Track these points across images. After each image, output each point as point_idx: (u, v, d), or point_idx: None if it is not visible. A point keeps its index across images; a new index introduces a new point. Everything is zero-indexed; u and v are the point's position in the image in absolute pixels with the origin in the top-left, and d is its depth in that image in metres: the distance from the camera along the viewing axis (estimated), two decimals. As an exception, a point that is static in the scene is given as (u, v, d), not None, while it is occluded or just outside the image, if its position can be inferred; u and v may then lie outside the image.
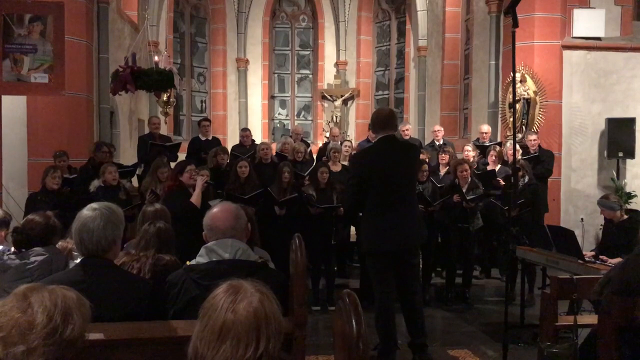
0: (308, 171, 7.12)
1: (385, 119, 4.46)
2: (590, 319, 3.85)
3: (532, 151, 7.49)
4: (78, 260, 3.07)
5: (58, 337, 1.40)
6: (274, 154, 8.12)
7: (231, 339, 1.39)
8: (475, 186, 6.56)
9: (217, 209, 2.56)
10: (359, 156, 5.01)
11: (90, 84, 8.36)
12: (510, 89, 8.77)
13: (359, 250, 6.95)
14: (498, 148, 7.40)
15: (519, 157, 7.01)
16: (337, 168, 7.14)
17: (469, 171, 6.56)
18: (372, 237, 4.44)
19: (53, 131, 7.65)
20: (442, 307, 6.49)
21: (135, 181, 7.87)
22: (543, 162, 7.51)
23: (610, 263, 4.88)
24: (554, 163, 8.19)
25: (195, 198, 5.43)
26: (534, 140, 7.55)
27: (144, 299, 2.35)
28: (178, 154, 7.93)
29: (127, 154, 10.19)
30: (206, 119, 9.32)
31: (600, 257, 5.10)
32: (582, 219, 8.63)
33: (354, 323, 1.43)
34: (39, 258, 3.03)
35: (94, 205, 2.40)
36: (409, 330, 4.57)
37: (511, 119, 8.70)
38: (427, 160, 7.64)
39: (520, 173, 6.24)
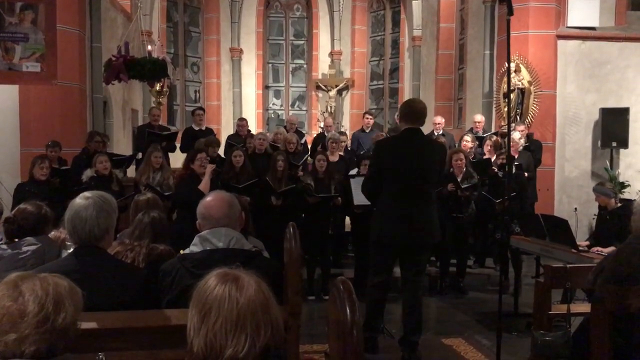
0: (301, 161, 7.11)
1: (418, 112, 4.45)
2: (584, 307, 3.87)
3: (522, 142, 7.53)
4: (71, 250, 3.06)
5: (50, 325, 1.39)
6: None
7: (250, 323, 1.38)
8: (470, 176, 6.58)
9: (211, 198, 2.55)
10: (380, 144, 4.96)
11: (82, 74, 8.29)
12: (505, 79, 8.78)
13: (354, 240, 6.97)
14: (494, 138, 7.42)
15: (520, 147, 7.06)
16: (334, 158, 7.13)
17: (464, 160, 6.57)
18: (380, 226, 4.42)
19: (45, 121, 7.59)
20: (436, 296, 6.51)
21: (132, 171, 7.86)
22: (532, 152, 7.55)
23: (603, 252, 4.90)
24: (548, 153, 8.24)
25: (204, 185, 5.53)
26: (522, 130, 7.59)
27: (137, 287, 2.34)
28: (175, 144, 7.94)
29: (121, 144, 10.14)
30: (200, 108, 9.28)
31: (592, 249, 5.12)
32: (575, 208, 8.67)
33: (348, 310, 1.43)
34: (32, 248, 3.01)
35: (86, 194, 2.38)
36: (403, 324, 4.56)
37: (506, 109, 8.72)
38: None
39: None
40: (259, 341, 1.37)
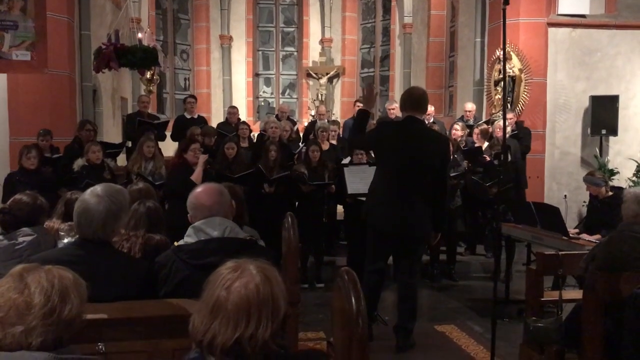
0: (298, 150, 7.11)
1: (416, 99, 4.35)
2: (574, 294, 3.93)
3: (509, 129, 7.56)
4: (65, 241, 3.05)
5: (56, 317, 1.40)
6: (258, 133, 8.12)
7: (220, 317, 1.40)
8: (456, 164, 6.61)
9: (200, 189, 2.56)
10: (382, 124, 4.90)
11: (72, 62, 8.20)
12: (496, 67, 8.80)
13: (346, 229, 7.00)
14: (484, 126, 7.46)
15: (508, 135, 7.08)
16: (325, 147, 7.13)
17: (451, 149, 6.59)
18: (372, 211, 4.43)
19: (35, 110, 7.51)
20: (428, 284, 6.56)
21: (123, 159, 7.81)
22: (521, 139, 7.59)
23: (589, 239, 4.96)
24: (538, 140, 8.28)
25: (196, 176, 5.45)
26: (510, 118, 7.61)
27: (139, 280, 2.35)
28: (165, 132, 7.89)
29: (111, 133, 10.07)
30: (192, 96, 9.23)
31: (581, 235, 5.18)
32: (565, 195, 8.74)
33: (353, 300, 1.45)
34: (27, 239, 2.99)
35: (99, 191, 2.34)
36: (398, 311, 4.59)
37: (496, 97, 8.75)
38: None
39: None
40: (223, 336, 1.38)
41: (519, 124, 7.86)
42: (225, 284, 1.43)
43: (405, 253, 4.49)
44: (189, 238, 2.45)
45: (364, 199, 5.40)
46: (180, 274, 2.36)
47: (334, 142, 7.54)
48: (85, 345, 1.94)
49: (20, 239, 2.99)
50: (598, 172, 6.14)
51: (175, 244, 2.51)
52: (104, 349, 2.09)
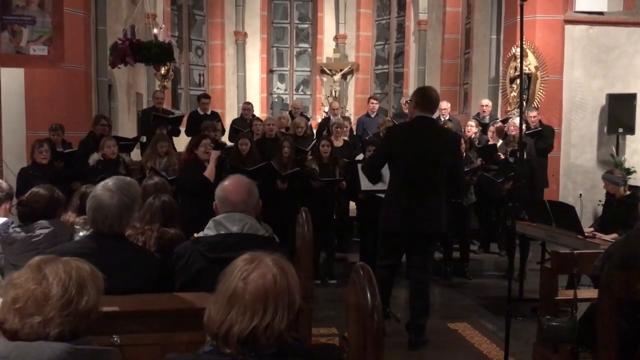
0: (310, 146, 7.09)
1: (434, 101, 4.40)
2: (589, 293, 3.89)
3: (532, 127, 7.50)
4: (81, 234, 3.08)
5: (73, 308, 1.42)
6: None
7: (238, 307, 1.41)
8: (469, 161, 6.58)
9: (231, 182, 2.56)
10: (390, 130, 4.90)
11: (88, 57, 8.27)
12: (512, 64, 8.73)
13: (359, 225, 7.00)
14: (498, 124, 7.41)
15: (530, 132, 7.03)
16: (339, 143, 7.12)
17: (464, 146, 6.55)
18: (386, 213, 4.45)
19: (51, 104, 7.58)
20: (441, 281, 6.54)
21: (137, 154, 7.87)
22: (545, 138, 7.53)
23: (605, 238, 4.91)
24: (555, 139, 8.22)
25: (209, 172, 5.43)
26: (534, 116, 7.56)
27: (153, 272, 2.36)
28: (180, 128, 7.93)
29: (126, 128, 10.14)
30: (206, 96, 9.25)
31: (596, 235, 5.13)
32: (580, 194, 8.66)
33: (368, 295, 1.45)
34: (44, 231, 3.03)
35: (111, 186, 2.35)
36: (410, 308, 4.59)
37: (512, 94, 8.69)
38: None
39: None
40: (240, 325, 1.40)
41: (541, 122, 7.78)
42: (242, 275, 1.45)
43: (417, 250, 4.48)
44: (208, 230, 2.47)
45: (377, 195, 5.40)
46: (197, 265, 2.39)
47: (346, 138, 7.53)
48: (100, 338, 1.95)
49: (38, 232, 3.03)
50: (618, 170, 6.07)
51: (195, 235, 2.53)
52: (118, 341, 2.11)
